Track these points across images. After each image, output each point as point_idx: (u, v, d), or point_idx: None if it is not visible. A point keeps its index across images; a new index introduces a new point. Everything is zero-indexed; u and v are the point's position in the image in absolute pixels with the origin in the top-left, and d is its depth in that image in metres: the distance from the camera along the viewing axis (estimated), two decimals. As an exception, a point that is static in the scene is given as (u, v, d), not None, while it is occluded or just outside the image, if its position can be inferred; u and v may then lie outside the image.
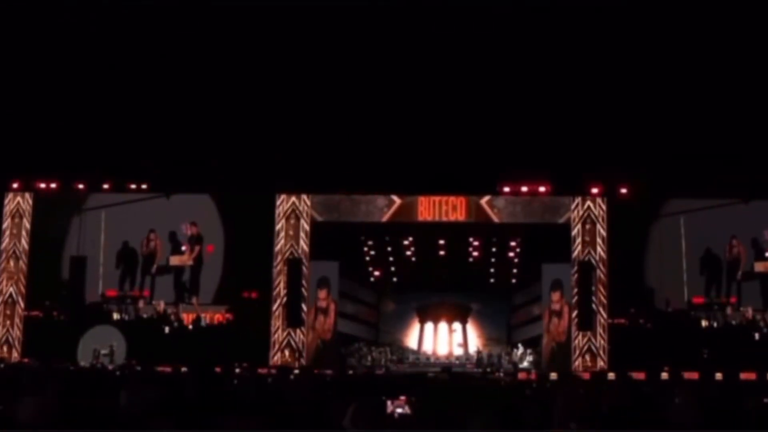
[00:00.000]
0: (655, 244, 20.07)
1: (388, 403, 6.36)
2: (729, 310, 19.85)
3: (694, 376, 17.45)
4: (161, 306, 20.22)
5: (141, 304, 20.36)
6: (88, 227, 20.29)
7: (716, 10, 17.66)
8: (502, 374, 19.78)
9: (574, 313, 19.58)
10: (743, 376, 17.57)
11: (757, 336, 19.46)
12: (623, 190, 19.93)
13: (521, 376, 19.34)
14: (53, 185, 20.43)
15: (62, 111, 19.01)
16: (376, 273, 24.48)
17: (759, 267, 19.98)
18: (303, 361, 19.54)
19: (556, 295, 20.10)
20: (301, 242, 20.10)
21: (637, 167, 19.48)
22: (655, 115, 19.39)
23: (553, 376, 18.29)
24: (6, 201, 20.53)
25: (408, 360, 23.62)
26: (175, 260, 20.50)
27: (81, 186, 20.34)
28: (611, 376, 18.05)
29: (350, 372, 19.29)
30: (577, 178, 19.96)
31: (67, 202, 20.63)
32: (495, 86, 20.35)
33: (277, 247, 20.05)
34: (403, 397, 6.65)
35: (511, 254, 22.81)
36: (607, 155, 19.39)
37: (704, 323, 19.68)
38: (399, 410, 6.24)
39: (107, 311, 20.06)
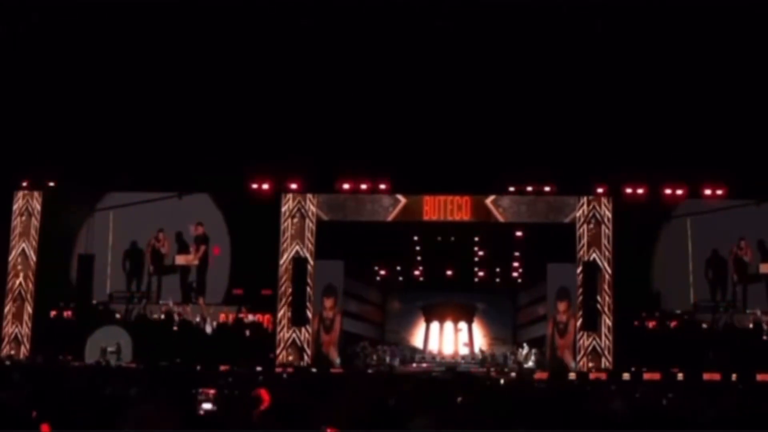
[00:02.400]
0: (661, 245, 20.01)
1: (199, 397, 6.23)
2: (734, 312, 19.76)
3: (716, 377, 17.44)
4: (168, 305, 20.33)
5: (148, 303, 20.50)
6: (96, 227, 20.44)
7: (721, 11, 17.63)
8: (513, 374, 19.63)
9: (579, 313, 19.51)
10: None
11: (765, 337, 19.39)
12: (629, 190, 19.89)
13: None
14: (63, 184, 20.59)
15: (68, 109, 19.18)
16: (382, 272, 24.54)
17: (765, 269, 19.87)
18: (308, 360, 19.63)
19: (562, 305, 19.78)
20: (307, 241, 20.17)
21: (644, 168, 19.47)
22: (663, 116, 19.37)
23: (572, 376, 18.26)
24: (15, 199, 20.68)
25: (414, 359, 23.64)
26: (180, 260, 20.61)
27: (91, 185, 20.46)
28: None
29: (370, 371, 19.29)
30: (582, 177, 19.91)
31: (77, 201, 20.72)
32: (500, 85, 20.37)
33: (283, 247, 20.13)
34: (212, 390, 6.49)
35: (516, 254, 22.81)
36: (613, 155, 19.37)
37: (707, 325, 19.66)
38: (206, 406, 6.03)
39: (113, 310, 20.21)
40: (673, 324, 19.78)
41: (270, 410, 4.11)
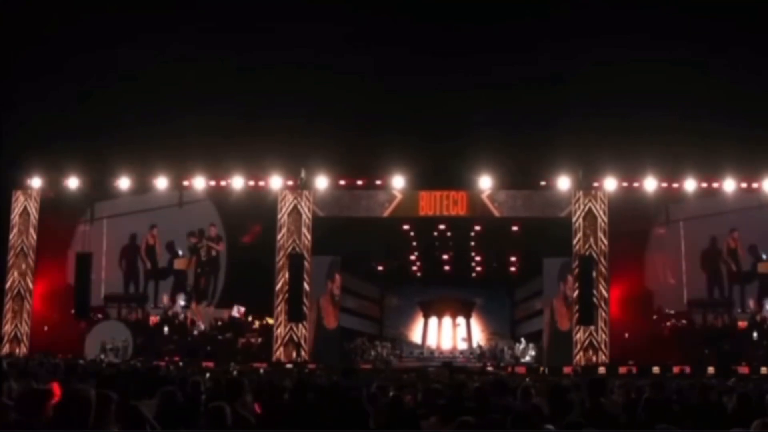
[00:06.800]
0: (656, 245, 19.97)
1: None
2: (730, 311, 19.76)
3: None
4: (164, 307, 20.42)
5: (144, 305, 20.58)
6: (93, 231, 20.54)
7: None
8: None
9: (575, 308, 19.48)
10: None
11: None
12: (625, 184, 19.88)
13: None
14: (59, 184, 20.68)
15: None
16: (379, 268, 24.52)
17: (761, 268, 19.72)
18: (304, 356, 19.66)
19: (570, 279, 19.64)
20: (303, 237, 20.18)
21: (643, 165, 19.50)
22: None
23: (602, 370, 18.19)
24: (14, 198, 20.77)
25: (412, 355, 23.67)
26: (177, 264, 20.61)
27: (87, 185, 20.54)
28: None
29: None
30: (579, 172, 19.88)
31: (75, 201, 20.75)
32: (498, 82, 20.46)
33: (279, 243, 20.15)
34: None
35: (513, 248, 22.76)
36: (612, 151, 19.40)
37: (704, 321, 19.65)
38: None
39: (109, 314, 20.28)
40: (668, 323, 19.73)
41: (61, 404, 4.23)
